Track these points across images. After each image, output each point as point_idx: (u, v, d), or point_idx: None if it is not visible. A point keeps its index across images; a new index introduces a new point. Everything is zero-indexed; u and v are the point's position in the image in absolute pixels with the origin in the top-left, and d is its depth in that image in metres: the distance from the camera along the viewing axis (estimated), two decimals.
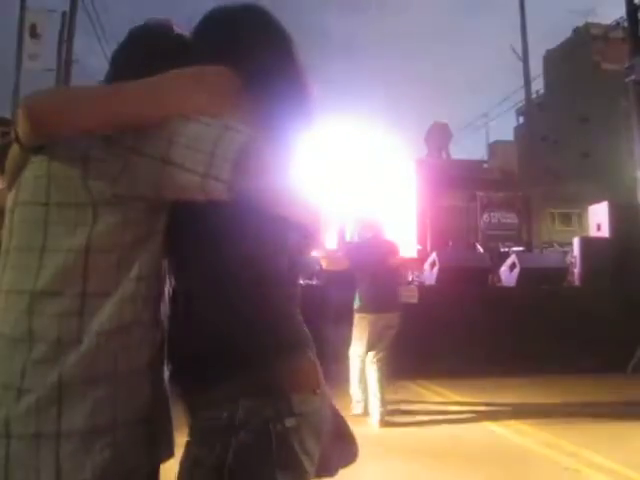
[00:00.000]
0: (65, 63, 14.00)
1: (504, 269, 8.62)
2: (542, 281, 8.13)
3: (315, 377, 1.16)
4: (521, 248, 12.36)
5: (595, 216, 9.23)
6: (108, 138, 1.03)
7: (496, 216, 15.21)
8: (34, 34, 13.41)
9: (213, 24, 1.24)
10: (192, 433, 1.13)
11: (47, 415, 0.98)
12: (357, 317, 5.22)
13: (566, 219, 26.63)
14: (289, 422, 1.06)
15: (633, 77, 10.60)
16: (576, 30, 34.75)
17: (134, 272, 1.05)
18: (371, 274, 5.14)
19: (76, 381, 1.00)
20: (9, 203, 1.11)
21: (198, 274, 1.13)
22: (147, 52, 1.21)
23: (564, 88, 34.12)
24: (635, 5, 10.85)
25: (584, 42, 31.71)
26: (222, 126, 1.04)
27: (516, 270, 8.27)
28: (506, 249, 11.70)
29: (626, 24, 11.45)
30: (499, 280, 8.74)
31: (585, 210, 10.76)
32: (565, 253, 10.39)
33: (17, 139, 1.06)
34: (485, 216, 14.80)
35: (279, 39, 1.24)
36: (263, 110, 1.16)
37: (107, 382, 1.02)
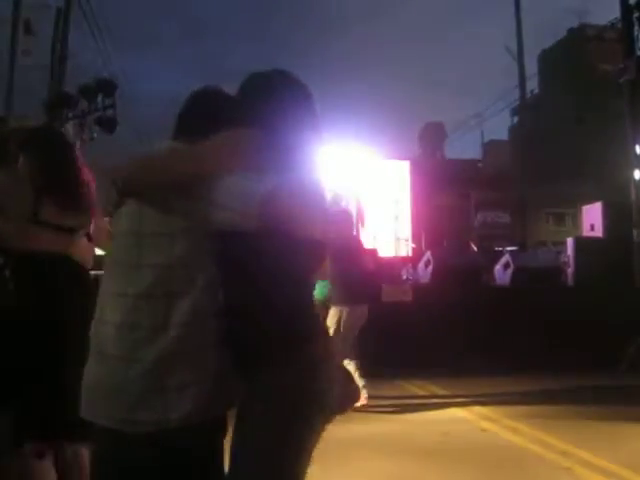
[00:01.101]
0: (59, 59, 13.94)
1: (498, 268, 8.65)
2: (536, 280, 8.16)
3: (333, 351, 1.69)
4: (515, 247, 12.39)
5: (589, 216, 9.27)
6: (178, 187, 1.50)
7: (490, 215, 15.27)
8: (28, 30, 13.33)
9: (250, 90, 1.66)
10: (255, 392, 1.54)
11: (151, 376, 1.49)
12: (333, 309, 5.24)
13: (560, 219, 26.73)
14: (322, 385, 1.56)
15: (627, 77, 10.63)
16: (571, 31, 34.83)
17: (200, 281, 1.52)
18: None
19: (167, 354, 1.49)
20: (114, 230, 1.65)
21: (242, 284, 1.54)
22: (207, 111, 1.70)
23: (558, 88, 34.22)
24: (629, 6, 10.88)
25: (579, 42, 31.81)
26: (250, 178, 1.49)
27: (510, 269, 8.29)
28: (500, 248, 11.74)
29: (620, 25, 11.48)
30: (493, 279, 8.76)
31: (579, 210, 10.80)
32: (559, 253, 10.43)
33: (117, 189, 1.57)
34: (479, 215, 14.84)
35: (303, 100, 1.67)
36: (286, 159, 1.57)
37: (188, 355, 1.51)
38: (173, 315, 1.50)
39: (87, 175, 2.65)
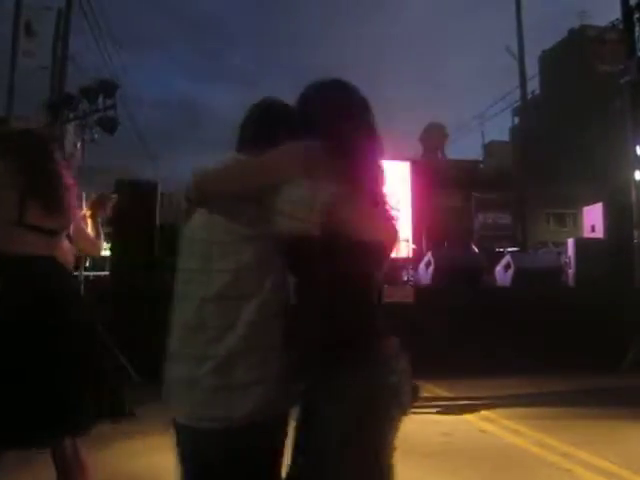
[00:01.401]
0: (60, 61, 13.96)
1: (499, 269, 8.65)
2: (537, 281, 8.16)
3: (399, 348, 1.71)
4: (516, 248, 12.39)
5: (589, 217, 9.27)
6: (244, 196, 1.61)
7: (491, 216, 15.26)
8: (29, 31, 13.35)
9: (310, 100, 1.74)
10: (330, 391, 1.61)
11: (219, 373, 1.58)
12: None
13: (561, 220, 26.73)
14: (394, 378, 1.65)
15: (628, 78, 10.63)
16: (572, 31, 34.83)
17: (267, 284, 1.62)
18: None
19: (236, 351, 1.59)
20: (184, 237, 1.72)
21: (310, 286, 1.66)
22: (267, 122, 1.78)
23: (560, 88, 34.21)
24: (630, 7, 10.88)
25: (579, 43, 31.81)
26: (314, 187, 1.55)
27: (511, 270, 8.29)
28: (501, 249, 11.73)
29: (621, 26, 11.48)
30: (494, 280, 8.76)
31: (579, 211, 10.79)
32: (559, 254, 10.43)
33: (188, 198, 1.68)
34: (480, 216, 14.84)
35: (360, 109, 1.75)
36: (346, 167, 1.65)
37: (255, 353, 1.60)
38: (241, 316, 1.60)
39: (68, 177, 2.69)
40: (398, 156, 12.06)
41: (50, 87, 13.91)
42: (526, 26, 16.30)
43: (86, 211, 2.97)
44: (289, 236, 1.59)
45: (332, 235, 1.54)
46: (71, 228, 2.73)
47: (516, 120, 33.67)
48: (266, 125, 1.78)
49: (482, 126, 29.65)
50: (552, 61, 35.40)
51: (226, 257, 1.62)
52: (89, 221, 2.98)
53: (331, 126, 1.68)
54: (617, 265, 8.08)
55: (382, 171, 1.81)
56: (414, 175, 12.35)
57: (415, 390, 1.77)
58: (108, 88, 7.10)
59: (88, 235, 2.94)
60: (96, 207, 3.01)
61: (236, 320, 1.60)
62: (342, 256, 1.59)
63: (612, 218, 8.72)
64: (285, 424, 1.71)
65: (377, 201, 1.72)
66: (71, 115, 7.33)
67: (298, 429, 1.70)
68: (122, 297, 7.02)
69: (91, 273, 8.72)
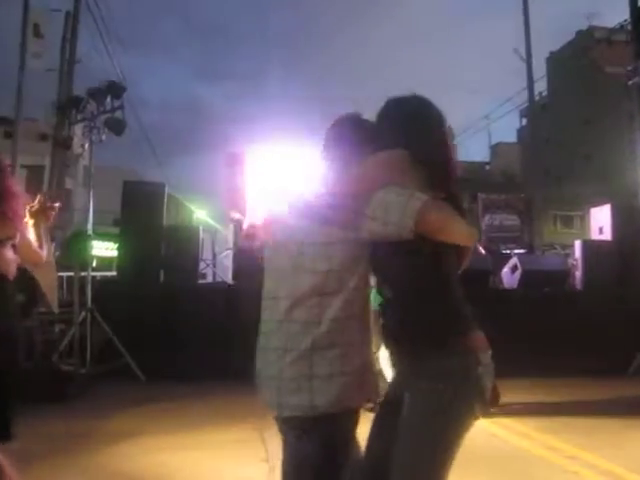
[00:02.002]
0: (68, 63, 14.02)
1: (506, 271, 8.61)
2: (544, 283, 8.12)
3: (486, 342, 1.83)
4: (523, 250, 12.33)
5: (597, 219, 9.20)
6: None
7: (498, 218, 15.18)
8: (37, 33, 13.41)
9: (394, 113, 1.90)
10: (413, 384, 1.77)
11: (303, 364, 1.74)
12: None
13: (568, 221, 26.59)
14: (480, 369, 1.76)
15: (636, 79, 10.59)
16: (579, 33, 34.70)
17: (351, 283, 1.78)
18: None
19: (320, 346, 1.74)
20: (275, 240, 1.94)
21: (398, 285, 1.80)
22: (354, 136, 1.93)
23: (567, 90, 34.08)
24: (639, 8, 10.83)
25: (587, 45, 31.68)
26: (406, 194, 1.70)
27: (518, 272, 8.25)
28: (508, 251, 11.68)
29: (630, 27, 11.43)
30: (500, 282, 8.73)
31: (587, 213, 10.74)
32: (567, 255, 10.37)
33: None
34: (487, 218, 14.77)
35: (440, 122, 1.91)
36: (431, 176, 1.79)
37: (336, 347, 1.74)
38: (326, 312, 1.76)
39: (15, 186, 2.70)
40: None
41: (58, 89, 13.98)
42: (534, 28, 16.24)
43: (28, 219, 2.88)
44: (381, 239, 1.75)
45: (422, 238, 1.70)
46: (17, 238, 2.72)
47: (523, 121, 33.57)
48: (351, 139, 1.94)
49: (489, 128, 29.57)
50: (560, 63, 35.29)
51: (317, 258, 1.78)
52: (32, 229, 2.90)
53: (417, 137, 1.84)
54: (625, 267, 8.03)
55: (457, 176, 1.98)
56: None
57: (496, 391, 1.93)
58: (115, 90, 7.13)
59: (30, 243, 2.89)
60: (38, 215, 2.92)
61: (322, 316, 1.75)
62: (430, 256, 1.75)
63: (620, 220, 8.66)
64: (358, 415, 1.86)
65: (458, 205, 1.86)
66: (79, 116, 7.37)
67: (380, 418, 1.87)
68: (128, 297, 7.03)
69: (98, 274, 8.75)
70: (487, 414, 1.88)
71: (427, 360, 1.76)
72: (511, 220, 15.16)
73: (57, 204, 3.09)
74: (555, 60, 36.14)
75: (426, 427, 1.73)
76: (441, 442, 1.75)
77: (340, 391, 1.74)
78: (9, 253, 2.67)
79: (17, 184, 2.75)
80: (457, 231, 1.76)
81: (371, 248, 1.80)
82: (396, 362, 1.89)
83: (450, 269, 1.84)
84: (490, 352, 1.84)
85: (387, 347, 1.89)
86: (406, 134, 1.84)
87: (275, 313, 1.85)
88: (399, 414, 1.77)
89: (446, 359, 1.74)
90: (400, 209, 1.68)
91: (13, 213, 2.64)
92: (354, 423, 1.85)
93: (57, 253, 7.85)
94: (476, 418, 1.78)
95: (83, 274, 7.05)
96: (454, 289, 1.84)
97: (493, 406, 1.89)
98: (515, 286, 8.28)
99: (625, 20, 12.17)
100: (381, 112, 1.92)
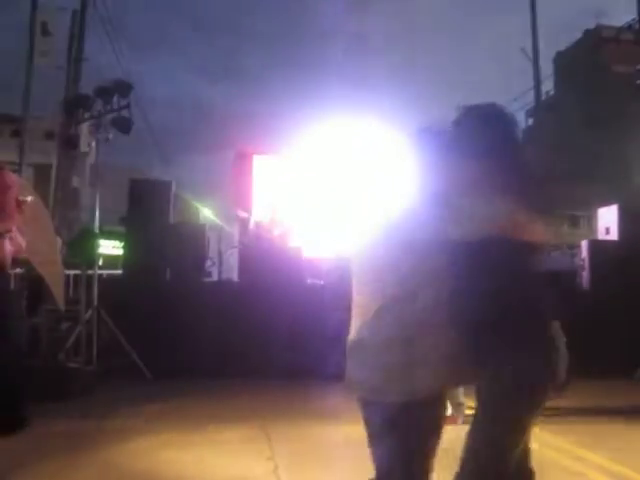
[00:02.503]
0: (75, 61, 14.08)
1: None
2: (550, 283, 8.09)
3: (560, 331, 2.04)
4: None
5: (604, 219, 9.16)
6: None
7: None
8: (45, 32, 13.47)
9: (474, 122, 2.04)
10: (491, 370, 1.92)
11: (404, 352, 1.90)
12: None
13: (574, 221, 26.49)
14: (555, 355, 1.97)
15: None
16: (587, 32, 34.54)
17: (442, 276, 1.91)
18: None
19: (416, 333, 1.89)
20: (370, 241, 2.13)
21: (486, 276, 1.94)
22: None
23: (574, 90, 33.94)
24: None
25: (595, 44, 31.52)
26: (490, 199, 1.88)
27: None
28: None
29: (637, 26, 11.39)
30: None
31: (594, 213, 10.69)
32: (573, 256, 10.33)
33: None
34: None
35: (516, 129, 2.07)
36: (514, 181, 1.95)
37: (430, 336, 1.90)
38: (419, 302, 1.91)
39: (8, 179, 2.75)
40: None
41: (65, 87, 14.03)
42: (541, 27, 16.18)
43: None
44: (474, 238, 1.89)
45: (509, 237, 1.89)
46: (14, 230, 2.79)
47: (530, 121, 33.44)
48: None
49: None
50: (567, 62, 35.14)
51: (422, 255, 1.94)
52: None
53: (499, 145, 2.00)
54: (632, 267, 7.98)
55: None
56: None
57: (568, 377, 2.09)
58: (123, 88, 7.14)
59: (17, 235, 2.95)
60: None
61: (414, 307, 1.91)
62: (515, 252, 1.93)
63: (627, 220, 8.62)
64: (445, 399, 2.08)
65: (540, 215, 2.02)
66: (86, 115, 7.39)
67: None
68: (135, 296, 7.05)
69: (104, 272, 8.77)
70: (560, 397, 2.06)
71: (504, 351, 1.90)
72: None
73: (29, 198, 3.14)
74: (562, 59, 35.99)
75: (510, 410, 1.90)
76: (522, 423, 1.93)
77: (436, 378, 1.95)
78: (7, 245, 2.72)
79: (10, 177, 2.80)
80: (535, 231, 1.99)
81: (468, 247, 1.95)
82: (472, 353, 1.95)
83: (529, 262, 2.06)
84: (565, 339, 2.03)
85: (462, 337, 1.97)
86: (488, 142, 1.99)
87: (374, 305, 2.03)
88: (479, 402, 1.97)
89: (522, 349, 1.89)
90: (490, 212, 1.93)
91: (9, 207, 2.68)
92: (443, 405, 2.12)
93: (64, 251, 7.87)
94: (545, 403, 1.98)
95: (90, 272, 7.07)
96: (533, 279, 2.08)
97: (564, 391, 2.23)
98: None
99: (633, 19, 12.12)
100: (463, 121, 2.06)
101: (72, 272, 7.77)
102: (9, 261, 2.81)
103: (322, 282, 8.02)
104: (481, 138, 1.99)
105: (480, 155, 1.95)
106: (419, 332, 1.91)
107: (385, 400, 1.92)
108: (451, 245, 1.92)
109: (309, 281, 8.46)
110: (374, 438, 2.01)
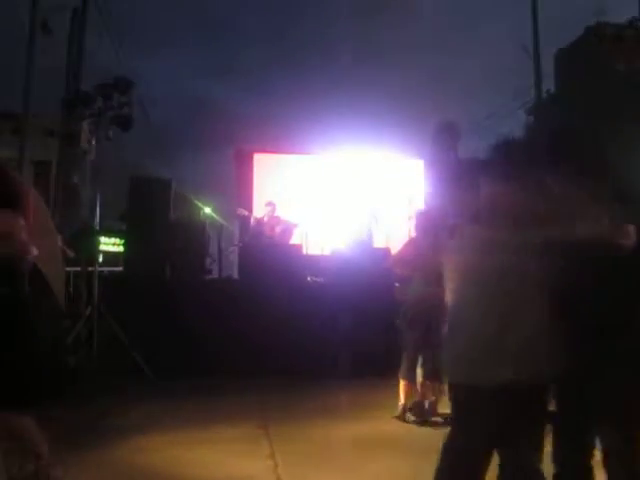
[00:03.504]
0: (76, 58, 14.04)
1: None
2: None
3: None
4: None
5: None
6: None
7: None
8: (45, 29, 13.43)
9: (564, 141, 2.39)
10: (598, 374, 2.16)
11: (506, 341, 2.07)
12: None
13: None
14: None
15: None
16: (588, 29, 34.45)
17: (538, 275, 2.12)
18: None
19: (515, 322, 2.08)
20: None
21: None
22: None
23: (575, 87, 33.86)
24: None
25: (596, 41, 31.43)
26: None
27: None
28: None
29: (639, 23, 11.35)
30: None
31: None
32: None
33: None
34: None
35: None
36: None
37: (528, 325, 2.06)
38: (522, 297, 2.07)
39: (25, 186, 2.89)
40: (411, 155, 12.03)
41: (65, 84, 14.01)
42: (541, 24, 16.11)
43: None
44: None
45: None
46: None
47: (530, 119, 33.36)
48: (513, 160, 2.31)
49: (495, 125, 29.41)
50: (568, 59, 35.06)
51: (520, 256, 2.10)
52: None
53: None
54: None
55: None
56: (428, 174, 12.30)
57: None
58: (123, 85, 7.13)
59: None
60: None
61: (518, 301, 2.07)
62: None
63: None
64: (546, 391, 2.18)
65: None
66: (86, 112, 7.37)
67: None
68: (135, 293, 7.05)
69: (104, 269, 8.77)
70: None
71: (607, 357, 2.14)
72: None
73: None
74: (563, 57, 35.91)
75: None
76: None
77: (538, 365, 2.10)
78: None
79: (33, 195, 2.98)
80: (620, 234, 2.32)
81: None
82: (576, 352, 2.07)
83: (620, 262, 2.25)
84: None
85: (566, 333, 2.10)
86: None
87: (475, 298, 2.22)
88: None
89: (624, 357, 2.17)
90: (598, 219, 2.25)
91: (26, 213, 2.78)
92: (545, 396, 2.25)
93: (64, 248, 7.86)
94: None
95: (90, 269, 7.07)
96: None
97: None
98: None
99: (635, 16, 12.08)
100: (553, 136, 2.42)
101: (72, 269, 7.77)
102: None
103: (322, 280, 8.01)
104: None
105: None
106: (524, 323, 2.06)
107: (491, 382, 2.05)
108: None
109: (309, 279, 8.47)
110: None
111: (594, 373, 2.16)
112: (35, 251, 2.90)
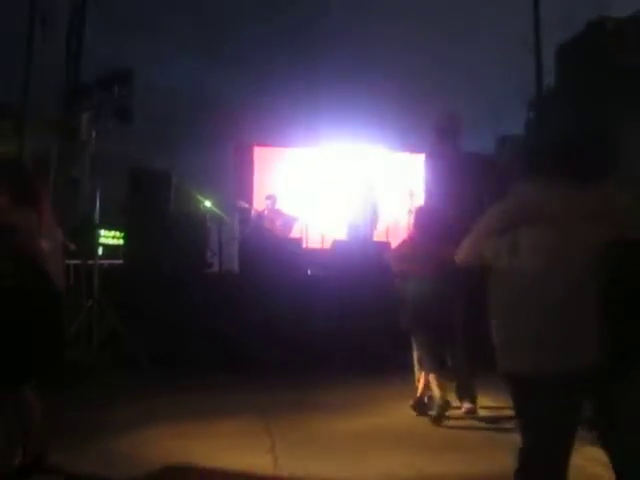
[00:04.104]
0: (75, 50, 13.98)
1: None
2: None
3: None
4: None
5: None
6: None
7: None
8: (44, 21, 13.37)
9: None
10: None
11: (561, 329, 2.12)
12: None
13: None
14: None
15: None
16: (590, 23, 34.32)
17: (590, 266, 2.15)
18: None
19: (553, 318, 2.14)
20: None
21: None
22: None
23: (577, 82, 33.75)
24: None
25: (598, 36, 31.33)
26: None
27: None
28: None
29: None
30: None
31: None
32: None
33: None
34: None
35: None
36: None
37: (583, 318, 2.10)
38: (575, 287, 2.10)
39: (41, 187, 3.12)
40: (412, 149, 12.00)
41: (65, 76, 13.95)
42: (543, 19, 16.05)
43: None
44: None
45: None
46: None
47: (531, 114, 33.29)
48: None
49: (496, 119, 29.36)
50: (569, 54, 34.96)
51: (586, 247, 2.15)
52: None
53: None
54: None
55: None
56: (428, 168, 12.27)
57: None
58: (123, 77, 7.10)
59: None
60: None
61: (578, 290, 2.10)
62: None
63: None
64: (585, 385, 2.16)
65: None
66: (86, 105, 7.34)
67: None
68: (135, 286, 7.04)
69: (104, 262, 8.75)
70: None
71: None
72: None
73: None
74: (564, 52, 35.82)
75: None
76: None
77: (593, 354, 2.09)
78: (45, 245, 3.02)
79: (44, 193, 3.13)
80: None
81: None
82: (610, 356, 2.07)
83: None
84: None
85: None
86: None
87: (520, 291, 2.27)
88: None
89: None
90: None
91: (44, 212, 3.09)
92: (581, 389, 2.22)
93: (64, 241, 7.84)
94: None
95: (90, 262, 7.05)
96: None
97: None
98: None
99: (637, 10, 12.02)
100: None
101: (72, 262, 7.75)
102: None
103: (322, 273, 8.01)
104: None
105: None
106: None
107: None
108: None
109: (309, 272, 8.46)
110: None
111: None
112: (45, 245, 2.98)
